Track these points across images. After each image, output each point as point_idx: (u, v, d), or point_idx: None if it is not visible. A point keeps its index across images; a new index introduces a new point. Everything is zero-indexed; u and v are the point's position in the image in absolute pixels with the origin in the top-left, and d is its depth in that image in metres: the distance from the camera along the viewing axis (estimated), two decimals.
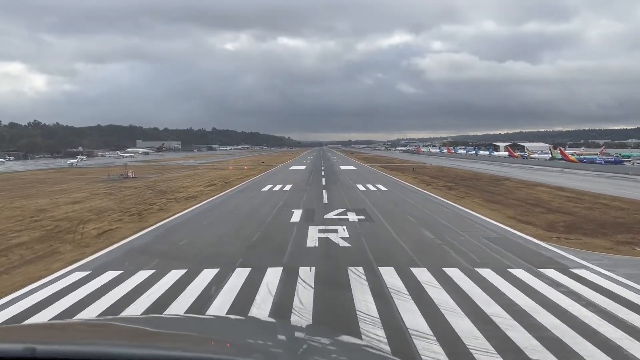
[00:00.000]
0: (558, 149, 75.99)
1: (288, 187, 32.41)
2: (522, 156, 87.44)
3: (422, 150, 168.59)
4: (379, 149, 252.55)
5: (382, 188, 31.26)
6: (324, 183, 35.77)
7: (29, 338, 1.65)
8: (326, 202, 23.69)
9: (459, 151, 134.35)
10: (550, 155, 77.14)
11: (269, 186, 33.03)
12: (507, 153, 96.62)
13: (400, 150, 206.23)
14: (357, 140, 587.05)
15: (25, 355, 1.32)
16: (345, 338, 2.56)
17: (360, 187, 32.05)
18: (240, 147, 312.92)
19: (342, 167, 62.95)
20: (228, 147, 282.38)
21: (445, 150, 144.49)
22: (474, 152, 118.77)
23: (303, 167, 60.99)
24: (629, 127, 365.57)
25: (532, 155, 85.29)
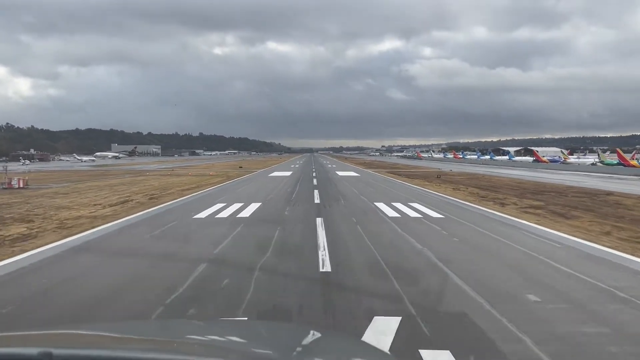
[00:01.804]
0: (616, 151, 61.68)
1: (250, 209, 17.28)
2: (552, 161, 73.17)
3: (423, 155, 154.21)
4: (373, 155, 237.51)
5: (432, 213, 16.25)
6: (317, 200, 20.70)
7: (45, 343, 1.54)
8: (328, 268, 8.52)
9: (468, 156, 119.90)
10: (596, 160, 63.23)
11: (216, 207, 17.91)
12: (531, 158, 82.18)
13: (397, 155, 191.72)
14: (347, 147, 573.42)
15: (42, 359, 1.32)
16: (341, 337, 2.74)
17: (386, 209, 17.06)
18: (227, 152, 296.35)
19: (340, 173, 47.94)
20: (213, 153, 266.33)
21: (450, 156, 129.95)
22: (488, 157, 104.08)
23: (288, 174, 45.84)
24: (623, 135, 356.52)
25: (569, 160, 71.23)
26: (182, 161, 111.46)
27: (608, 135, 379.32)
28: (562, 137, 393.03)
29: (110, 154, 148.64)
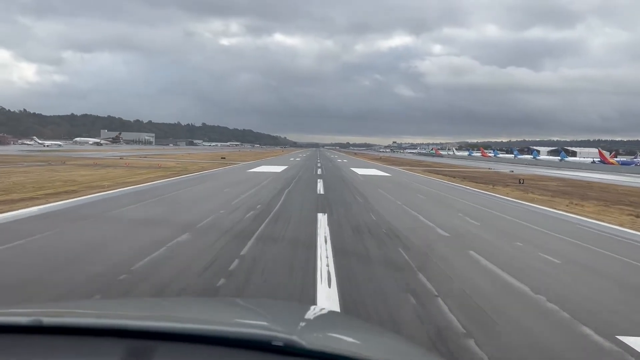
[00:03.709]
0: None
1: None
2: (623, 163, 57.47)
3: (441, 152, 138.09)
4: (383, 151, 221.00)
5: None
6: (332, 303, 5.01)
7: (35, 314, 1.46)
8: None
9: (500, 155, 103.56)
10: None
11: None
12: (584, 159, 66.32)
13: (411, 152, 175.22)
14: (354, 143, 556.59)
15: (33, 324, 1.29)
16: (344, 315, 2.70)
17: None
18: (228, 143, 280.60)
19: (359, 171, 32.37)
20: (213, 143, 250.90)
21: (476, 154, 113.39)
22: (531, 156, 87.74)
23: (280, 170, 30.20)
24: (639, 139, 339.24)
25: None
26: (164, 150, 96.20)
27: (625, 139, 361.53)
28: (574, 139, 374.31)
29: (91, 140, 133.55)
